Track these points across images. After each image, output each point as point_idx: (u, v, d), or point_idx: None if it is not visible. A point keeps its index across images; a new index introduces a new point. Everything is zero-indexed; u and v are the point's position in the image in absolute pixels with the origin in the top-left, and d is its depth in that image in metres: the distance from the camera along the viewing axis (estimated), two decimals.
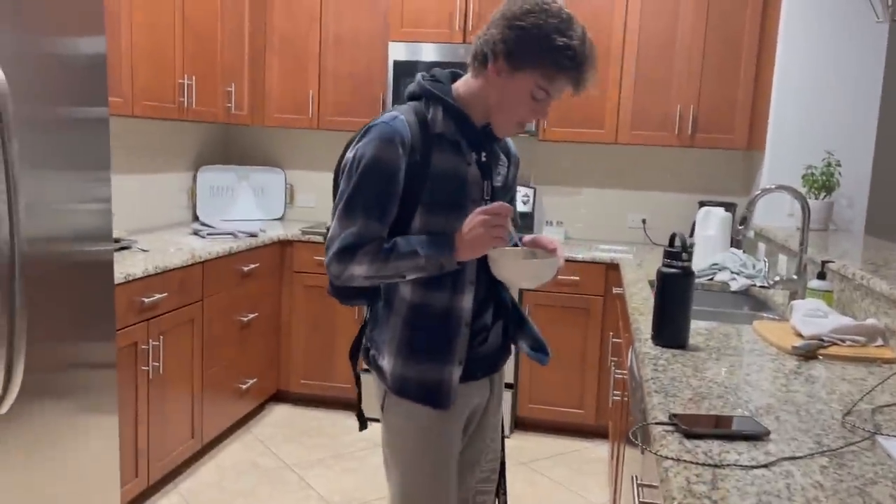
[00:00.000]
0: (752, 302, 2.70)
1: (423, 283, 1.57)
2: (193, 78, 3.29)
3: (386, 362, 1.61)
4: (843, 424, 1.24)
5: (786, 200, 3.34)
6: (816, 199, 3.20)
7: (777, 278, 2.39)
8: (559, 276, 3.32)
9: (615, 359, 2.98)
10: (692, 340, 1.76)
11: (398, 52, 3.70)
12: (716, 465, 1.05)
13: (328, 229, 1.57)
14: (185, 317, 2.86)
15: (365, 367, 1.69)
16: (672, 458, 1.07)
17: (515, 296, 3.48)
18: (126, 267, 2.49)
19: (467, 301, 1.59)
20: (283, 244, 3.73)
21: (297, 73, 3.95)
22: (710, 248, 3.12)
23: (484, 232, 1.45)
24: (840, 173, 3.22)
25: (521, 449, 3.48)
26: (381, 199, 1.51)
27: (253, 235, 3.51)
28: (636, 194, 4.07)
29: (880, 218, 3.41)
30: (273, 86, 3.98)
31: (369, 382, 1.84)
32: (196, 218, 4.02)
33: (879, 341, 1.74)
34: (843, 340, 1.73)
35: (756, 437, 1.16)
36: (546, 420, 3.65)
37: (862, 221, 3.35)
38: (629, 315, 2.16)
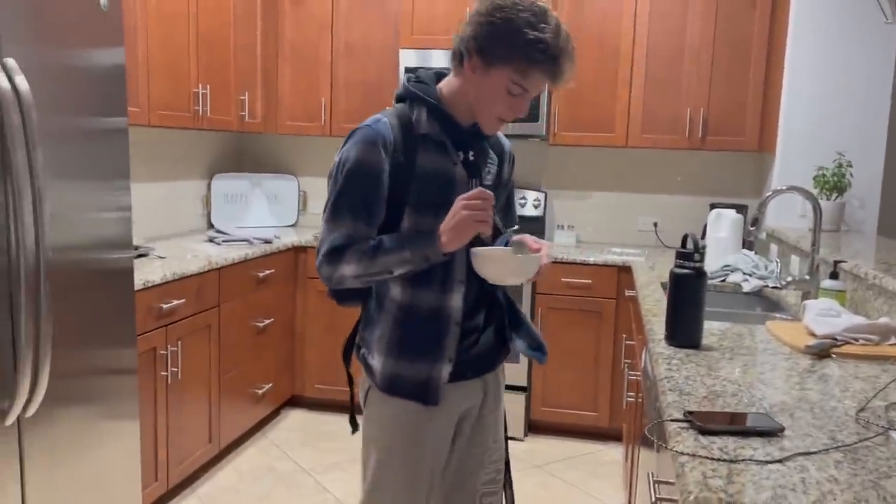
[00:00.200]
0: (765, 303, 2.71)
1: (412, 283, 1.58)
2: (208, 87, 3.34)
3: (375, 361, 1.63)
4: (856, 421, 1.25)
5: (797, 202, 3.35)
6: (828, 199, 3.20)
7: (789, 279, 2.40)
8: (573, 280, 3.30)
9: (628, 361, 2.99)
10: (705, 341, 1.78)
11: (409, 59, 3.74)
12: (731, 461, 1.07)
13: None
14: (202, 322, 2.90)
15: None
16: (688, 454, 1.09)
17: (527, 300, 3.51)
18: (145, 274, 2.54)
19: (457, 300, 1.60)
20: (297, 250, 3.77)
21: (309, 81, 4.00)
22: (722, 250, 3.14)
23: (467, 215, 1.43)
24: (851, 174, 3.22)
25: (535, 452, 3.50)
26: (367, 200, 1.53)
27: (268, 242, 3.55)
28: (647, 197, 4.08)
29: (892, 218, 3.41)
30: (285, 94, 4.03)
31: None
32: (211, 225, 4.07)
33: (892, 340, 1.75)
34: (856, 339, 1.74)
35: (771, 433, 1.18)
36: (560, 423, 3.66)
37: (874, 222, 3.35)
38: (642, 316, 2.18)
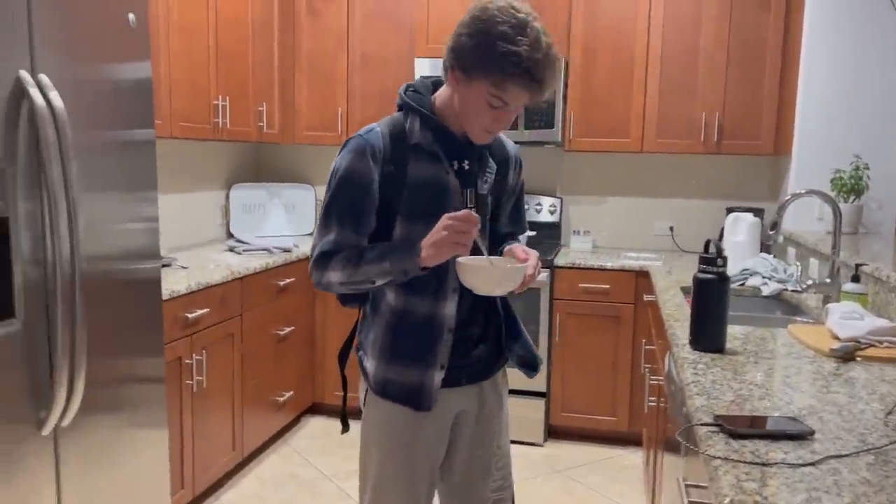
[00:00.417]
0: (784, 306, 2.71)
1: (406, 289, 1.60)
2: (227, 99, 3.38)
3: (369, 364, 1.67)
4: (885, 423, 1.26)
5: (814, 205, 3.35)
6: (845, 202, 3.21)
7: (809, 282, 2.40)
8: (591, 285, 3.30)
9: (648, 365, 3.00)
10: (729, 345, 1.79)
11: (424, 68, 3.78)
12: (764, 464, 1.08)
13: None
14: (225, 331, 2.94)
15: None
16: (720, 458, 1.11)
17: (545, 306, 3.52)
18: (170, 284, 2.57)
19: (450, 308, 1.61)
20: None
21: (326, 92, 4.04)
22: (740, 254, 3.14)
23: (447, 235, 1.43)
24: (868, 176, 3.22)
25: (556, 457, 3.51)
26: (355, 208, 1.56)
27: (287, 251, 3.58)
28: (662, 202, 4.09)
29: None
30: (302, 105, 4.07)
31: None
32: (230, 235, 4.12)
33: None
34: (880, 342, 1.75)
35: (801, 436, 1.19)
36: (579, 428, 3.67)
37: (892, 224, 3.34)
38: (664, 321, 2.19)
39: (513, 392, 3.53)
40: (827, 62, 3.33)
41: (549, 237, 4.08)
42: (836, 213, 2.37)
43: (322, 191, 4.42)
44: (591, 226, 4.17)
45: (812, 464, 1.09)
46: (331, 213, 1.56)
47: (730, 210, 3.66)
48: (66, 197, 1.69)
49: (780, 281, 2.80)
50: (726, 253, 1.79)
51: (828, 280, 2.36)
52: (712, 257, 1.72)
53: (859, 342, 1.75)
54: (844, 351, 1.70)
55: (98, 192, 1.91)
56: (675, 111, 3.69)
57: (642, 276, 3.47)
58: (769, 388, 1.47)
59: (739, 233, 3.24)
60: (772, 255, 3.13)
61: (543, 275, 3.52)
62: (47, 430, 1.74)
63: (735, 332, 1.95)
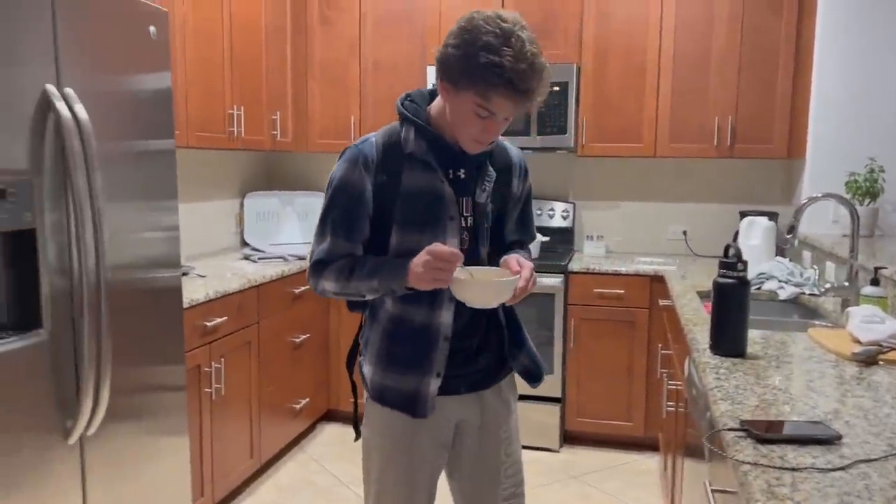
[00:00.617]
0: (802, 310, 2.70)
1: (402, 297, 1.60)
2: (242, 108, 3.41)
3: (367, 370, 1.69)
4: None
5: (828, 208, 3.34)
6: (861, 205, 3.20)
7: (827, 286, 2.40)
8: (605, 290, 3.30)
9: (665, 370, 2.99)
10: (749, 349, 1.79)
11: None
12: (793, 469, 1.09)
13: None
14: (242, 339, 2.96)
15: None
16: (749, 463, 1.11)
17: (559, 311, 3.52)
18: (189, 292, 2.59)
19: (446, 316, 1.62)
20: None
21: (339, 99, 4.06)
22: (755, 258, 3.14)
23: (423, 272, 1.46)
24: (884, 179, 3.21)
25: (572, 463, 3.50)
26: (348, 217, 1.58)
27: (301, 259, 3.60)
28: (675, 206, 4.09)
29: None
30: (315, 112, 4.10)
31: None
32: (244, 243, 4.14)
33: None
34: None
35: (828, 441, 1.19)
36: (595, 433, 3.67)
37: None
38: (683, 326, 2.19)
39: (528, 398, 3.56)
40: (839, 64, 3.32)
41: (562, 242, 4.08)
42: (854, 216, 2.37)
43: None
44: (604, 231, 4.17)
45: (842, 468, 1.09)
46: (326, 222, 1.61)
47: (743, 214, 3.66)
48: (91, 207, 1.71)
49: (796, 285, 2.79)
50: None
51: (846, 283, 2.36)
52: (732, 262, 1.72)
53: (881, 346, 1.74)
54: (867, 355, 1.70)
55: (121, 202, 1.93)
56: (687, 115, 3.69)
57: (657, 280, 3.46)
58: (793, 392, 1.47)
59: (754, 237, 3.23)
60: (787, 259, 3.12)
61: (557, 280, 3.52)
62: (73, 439, 1.76)
63: (754, 337, 1.95)
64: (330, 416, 3.99)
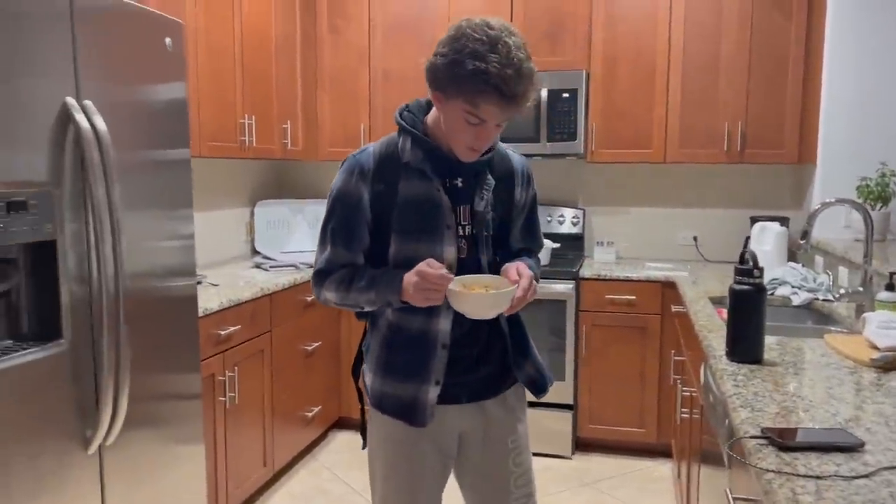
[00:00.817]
0: (815, 315, 2.70)
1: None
2: (253, 118, 3.43)
3: (368, 378, 1.71)
4: None
5: (840, 212, 3.33)
6: (872, 209, 3.19)
7: (842, 291, 2.39)
8: (617, 296, 3.29)
9: (679, 376, 2.99)
10: (766, 356, 1.79)
11: None
12: (817, 477, 1.09)
13: None
14: (255, 348, 2.97)
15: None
16: (773, 471, 1.11)
17: (571, 317, 3.52)
18: (203, 301, 2.60)
19: (444, 324, 1.62)
20: None
21: (348, 108, 4.08)
22: (767, 264, 3.13)
23: (413, 293, 1.50)
24: None
25: (585, 470, 3.49)
26: (346, 226, 1.61)
27: (312, 267, 3.60)
28: (686, 211, 4.09)
29: None
30: (325, 121, 4.12)
31: None
32: (255, 251, 4.15)
33: None
34: None
35: (851, 448, 1.19)
36: (607, 440, 3.66)
37: None
38: (697, 333, 2.19)
39: (539, 405, 3.56)
40: (849, 69, 3.32)
41: (572, 249, 4.08)
42: (868, 221, 2.37)
43: None
44: (614, 237, 4.17)
45: (866, 476, 1.09)
46: (326, 231, 1.65)
47: (753, 219, 3.65)
48: (110, 217, 1.73)
49: (810, 290, 2.78)
50: None
51: (860, 289, 2.35)
52: (748, 268, 1.72)
53: None
54: (885, 361, 1.69)
55: (138, 211, 1.95)
56: (696, 121, 3.69)
57: (668, 286, 3.46)
58: (812, 399, 1.47)
59: (766, 242, 3.23)
60: (800, 264, 3.12)
61: (568, 286, 3.52)
62: (93, 448, 1.77)
63: (770, 343, 1.94)
64: (342, 424, 3.99)
